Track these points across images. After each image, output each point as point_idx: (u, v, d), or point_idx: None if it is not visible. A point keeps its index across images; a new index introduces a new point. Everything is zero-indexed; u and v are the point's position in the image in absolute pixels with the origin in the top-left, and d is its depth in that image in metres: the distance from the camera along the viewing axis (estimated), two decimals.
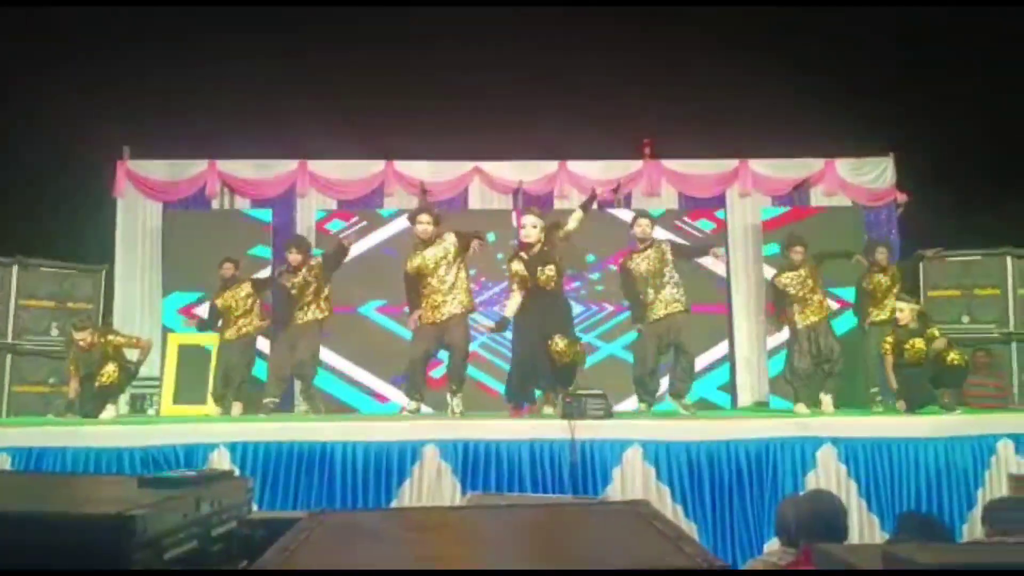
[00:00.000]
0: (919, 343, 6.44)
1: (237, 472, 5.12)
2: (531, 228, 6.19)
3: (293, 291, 7.10)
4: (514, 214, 8.91)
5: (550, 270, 6.13)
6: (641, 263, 6.58)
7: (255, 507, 2.33)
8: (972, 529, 5.19)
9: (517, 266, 6.23)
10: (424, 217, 6.47)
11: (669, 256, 6.57)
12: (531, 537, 1.66)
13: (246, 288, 7.35)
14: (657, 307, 6.50)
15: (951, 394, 6.93)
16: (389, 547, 1.57)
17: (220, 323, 7.39)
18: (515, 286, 6.30)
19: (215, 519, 1.69)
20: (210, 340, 7.81)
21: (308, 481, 5.28)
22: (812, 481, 5.30)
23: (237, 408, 7.09)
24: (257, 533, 1.89)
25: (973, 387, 7.48)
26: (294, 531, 1.62)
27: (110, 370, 6.68)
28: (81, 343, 6.76)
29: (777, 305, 7.22)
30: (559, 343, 6.03)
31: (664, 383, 6.77)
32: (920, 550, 1.51)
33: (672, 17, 8.36)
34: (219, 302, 7.37)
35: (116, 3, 7.95)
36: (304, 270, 7.08)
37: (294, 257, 7.09)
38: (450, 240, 6.37)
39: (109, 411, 6.75)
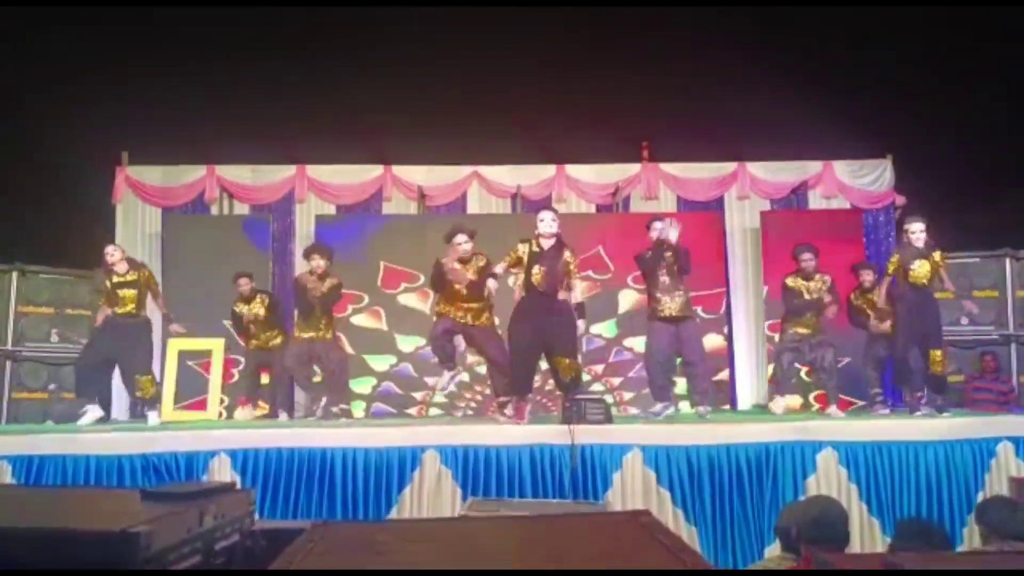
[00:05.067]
0: None
1: (238, 479, 5.13)
2: (551, 221, 6.06)
3: (317, 295, 6.96)
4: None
5: (538, 271, 5.99)
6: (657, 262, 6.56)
7: (256, 515, 2.33)
8: (972, 533, 5.20)
9: (522, 248, 6.09)
10: (461, 237, 6.24)
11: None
12: (532, 549, 1.67)
13: (264, 303, 7.55)
14: (667, 307, 6.50)
15: (945, 396, 6.96)
16: (392, 559, 1.58)
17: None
18: (508, 259, 6.11)
19: (218, 533, 1.69)
20: (211, 345, 7.81)
21: (308, 487, 5.28)
22: (813, 485, 5.30)
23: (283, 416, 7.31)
24: (260, 545, 1.89)
25: (978, 391, 7.48)
26: (297, 544, 1.62)
27: (146, 382, 6.70)
28: (111, 257, 6.68)
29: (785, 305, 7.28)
30: (564, 361, 6.00)
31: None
32: (921, 559, 1.51)
33: (670, 20, 8.37)
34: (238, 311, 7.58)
35: (115, 3, 7.97)
36: (324, 280, 6.98)
37: (317, 264, 6.97)
38: (482, 261, 6.26)
39: (153, 418, 6.74)
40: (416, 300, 8.92)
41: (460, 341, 6.49)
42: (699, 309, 8.37)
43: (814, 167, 9.59)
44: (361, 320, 8.96)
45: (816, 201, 9.64)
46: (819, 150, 9.47)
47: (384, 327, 8.96)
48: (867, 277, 7.35)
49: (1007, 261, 8.48)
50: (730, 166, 9.62)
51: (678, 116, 8.82)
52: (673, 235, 6.34)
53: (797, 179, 9.61)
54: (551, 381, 6.88)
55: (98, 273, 6.92)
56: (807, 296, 7.05)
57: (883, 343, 7.10)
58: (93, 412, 6.59)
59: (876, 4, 8.28)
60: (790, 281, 7.12)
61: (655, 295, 6.52)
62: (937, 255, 6.48)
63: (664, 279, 6.48)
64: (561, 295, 6.12)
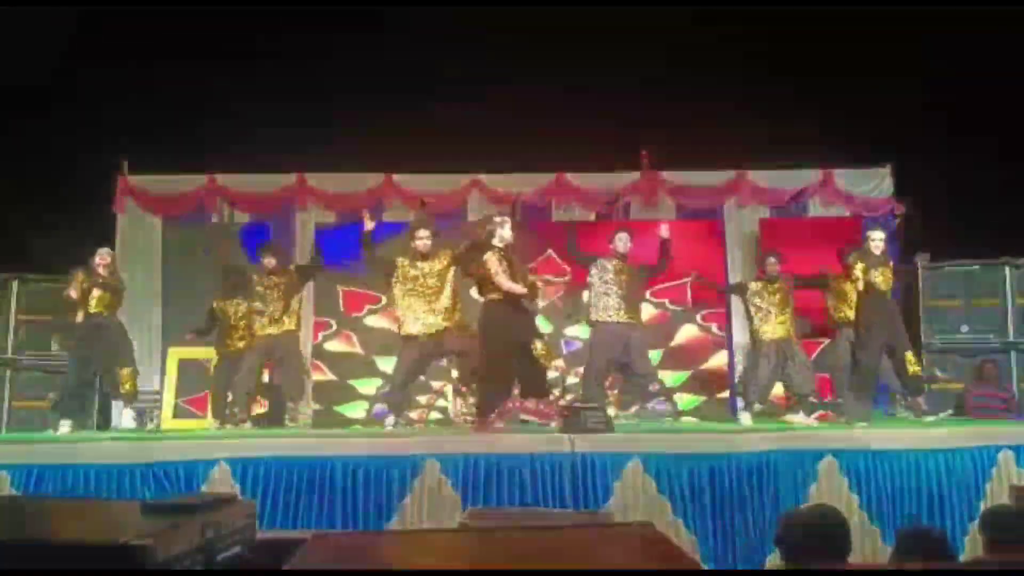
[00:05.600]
0: None
1: (238, 488, 5.12)
2: (508, 231, 6.33)
3: (258, 301, 7.17)
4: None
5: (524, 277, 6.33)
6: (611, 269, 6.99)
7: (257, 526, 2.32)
8: (974, 541, 5.19)
9: (495, 255, 6.24)
10: (423, 232, 6.61)
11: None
12: (536, 561, 1.67)
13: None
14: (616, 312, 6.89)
15: (925, 397, 7.01)
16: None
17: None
18: (502, 271, 6.23)
19: (220, 545, 1.69)
20: (211, 353, 7.81)
21: (309, 496, 5.26)
22: (814, 493, 5.30)
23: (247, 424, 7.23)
24: (261, 556, 1.89)
25: (978, 399, 7.48)
26: (298, 555, 1.63)
27: (126, 375, 6.89)
28: (101, 259, 6.95)
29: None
30: (540, 347, 6.23)
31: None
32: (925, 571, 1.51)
33: (669, 27, 8.40)
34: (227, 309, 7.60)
35: (115, 2, 8.00)
36: (277, 276, 7.19)
37: (269, 261, 7.22)
38: (445, 257, 6.58)
39: (127, 418, 6.98)
40: (383, 319, 8.86)
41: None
42: (667, 301, 9.02)
43: (814, 174, 9.60)
44: (334, 346, 8.98)
45: (815, 208, 9.65)
46: (819, 158, 9.47)
47: (359, 351, 8.97)
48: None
49: (1007, 269, 8.49)
50: (730, 174, 9.61)
51: (678, 123, 8.82)
52: None
53: (797, 186, 9.61)
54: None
55: (75, 274, 6.99)
56: (763, 298, 7.17)
57: (843, 348, 7.17)
58: (67, 425, 6.82)
59: (876, 4, 8.30)
60: (752, 284, 7.29)
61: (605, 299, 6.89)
62: (890, 265, 6.62)
63: (614, 288, 6.89)
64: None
